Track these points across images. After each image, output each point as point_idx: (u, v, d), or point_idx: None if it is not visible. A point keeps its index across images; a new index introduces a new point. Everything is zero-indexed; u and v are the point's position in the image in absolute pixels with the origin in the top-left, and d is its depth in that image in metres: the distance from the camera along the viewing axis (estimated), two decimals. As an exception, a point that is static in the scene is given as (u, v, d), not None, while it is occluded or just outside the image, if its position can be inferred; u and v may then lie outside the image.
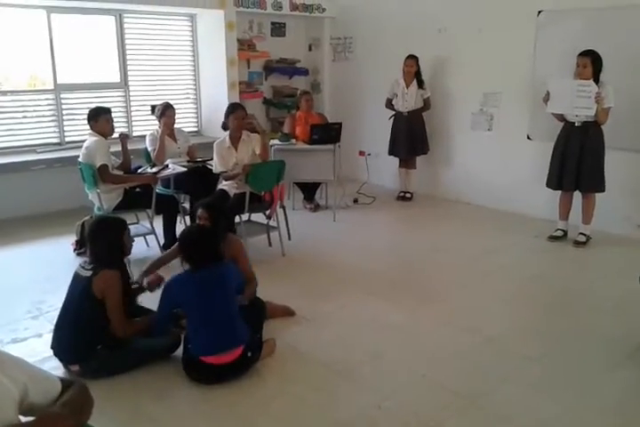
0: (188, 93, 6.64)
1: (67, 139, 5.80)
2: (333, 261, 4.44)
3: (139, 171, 4.45)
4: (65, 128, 5.79)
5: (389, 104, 6.20)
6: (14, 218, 5.22)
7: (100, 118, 4.24)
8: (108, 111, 4.31)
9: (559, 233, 4.95)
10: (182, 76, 6.57)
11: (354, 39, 6.98)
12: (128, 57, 6.06)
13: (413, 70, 5.96)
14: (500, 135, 5.76)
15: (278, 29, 7.12)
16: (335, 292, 3.84)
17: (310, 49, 7.42)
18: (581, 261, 4.55)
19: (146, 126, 5.97)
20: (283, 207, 4.63)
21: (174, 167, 4.43)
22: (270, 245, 4.60)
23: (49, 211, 5.39)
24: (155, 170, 4.35)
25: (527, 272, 4.26)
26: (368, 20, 6.74)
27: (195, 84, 6.64)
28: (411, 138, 6.09)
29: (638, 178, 4.91)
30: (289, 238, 4.68)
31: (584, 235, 4.82)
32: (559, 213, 4.94)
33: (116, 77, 6.04)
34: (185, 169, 4.47)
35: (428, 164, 6.44)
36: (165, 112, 4.89)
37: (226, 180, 4.35)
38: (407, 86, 6.00)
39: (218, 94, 6.39)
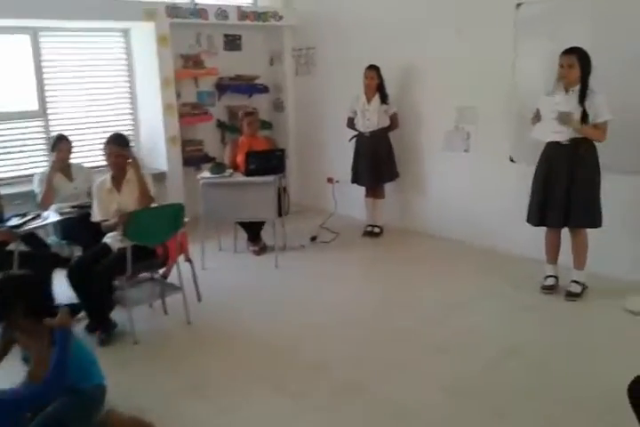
0: (123, 120, 5.81)
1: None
2: (253, 331, 3.47)
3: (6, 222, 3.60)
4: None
5: (351, 124, 5.25)
6: None
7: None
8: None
9: (551, 281, 3.90)
10: (117, 101, 5.75)
11: (316, 50, 6.08)
12: (47, 81, 5.26)
13: (375, 83, 5.01)
14: (479, 157, 4.74)
15: (232, 42, 6.27)
16: (235, 383, 2.88)
17: (272, 63, 6.54)
18: (575, 322, 3.47)
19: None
20: (189, 261, 3.71)
21: (48, 216, 3.57)
22: (166, 312, 3.67)
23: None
24: (17, 222, 3.47)
25: (497, 342, 3.22)
26: (330, 26, 5.83)
27: (132, 109, 5.82)
28: (375, 162, 5.12)
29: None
30: (199, 300, 3.77)
31: (578, 283, 3.78)
32: (546, 256, 3.90)
33: (33, 105, 5.26)
34: (60, 217, 3.61)
35: (398, 192, 5.45)
36: (57, 145, 4.07)
37: (106, 231, 3.46)
38: (369, 102, 5.05)
39: (153, 119, 5.57)
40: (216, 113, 6.18)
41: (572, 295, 3.75)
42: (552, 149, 3.68)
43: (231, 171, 4.76)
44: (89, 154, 5.39)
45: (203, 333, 3.45)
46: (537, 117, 3.75)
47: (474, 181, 4.80)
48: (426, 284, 4.14)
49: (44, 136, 5.30)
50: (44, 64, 5.23)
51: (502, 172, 4.54)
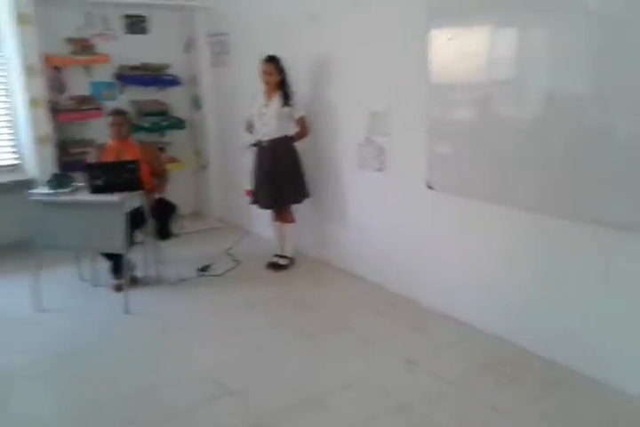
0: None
1: None
2: None
3: None
4: None
5: (250, 128, 4.21)
6: None
7: None
8: None
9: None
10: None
11: (230, 36, 5.00)
12: None
13: (274, 79, 3.94)
14: (394, 179, 3.63)
15: (136, 25, 5.23)
16: None
17: (187, 50, 5.50)
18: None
19: None
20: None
21: None
22: None
23: None
24: None
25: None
26: (241, 9, 4.76)
27: (10, 103, 4.81)
28: (276, 179, 4.06)
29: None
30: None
31: None
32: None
33: None
34: None
35: (314, 214, 4.39)
36: None
37: None
38: (267, 103, 3.99)
39: (20, 115, 4.60)
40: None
41: None
42: None
43: (80, 185, 3.75)
44: None
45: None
46: None
47: (390, 211, 3.70)
48: (308, 353, 3.03)
49: None
50: None
51: (419, 201, 3.44)
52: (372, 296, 3.74)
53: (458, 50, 2.97)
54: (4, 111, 4.79)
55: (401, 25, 3.30)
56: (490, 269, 3.07)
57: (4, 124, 4.81)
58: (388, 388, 2.66)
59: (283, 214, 4.25)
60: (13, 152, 4.91)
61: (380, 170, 3.69)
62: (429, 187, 3.31)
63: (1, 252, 4.46)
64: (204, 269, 4.28)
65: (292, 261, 4.35)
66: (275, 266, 4.30)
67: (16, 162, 4.92)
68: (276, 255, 4.36)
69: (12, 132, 4.86)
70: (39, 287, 3.61)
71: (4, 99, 4.75)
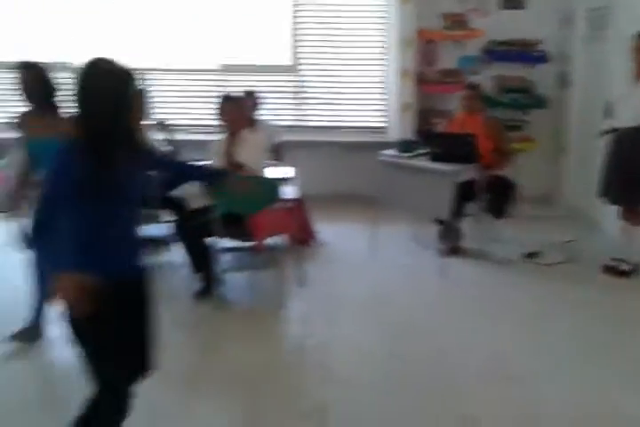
0: (372, 82, 5.50)
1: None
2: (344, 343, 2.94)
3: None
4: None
5: (610, 113, 3.78)
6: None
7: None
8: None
9: None
10: (369, 62, 5.46)
11: (611, 10, 4.45)
12: (301, 37, 5.36)
13: (647, 57, 3.42)
14: None
15: (513, 0, 5.15)
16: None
17: (563, 26, 5.15)
18: None
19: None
20: (303, 241, 3.36)
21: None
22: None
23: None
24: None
25: None
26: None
27: (385, 73, 5.42)
28: (633, 173, 3.56)
29: None
30: (302, 285, 3.45)
31: None
32: None
33: (286, 59, 5.44)
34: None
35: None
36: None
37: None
38: (636, 82, 3.50)
39: (388, 85, 5.13)
40: (481, 83, 5.22)
41: None
42: None
43: (423, 152, 4.02)
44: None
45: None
46: None
47: None
48: (605, 379, 2.61)
49: (295, 91, 5.50)
50: (300, 20, 5.31)
51: None
52: None
53: None
54: (379, 79, 5.43)
55: None
56: None
57: (378, 90, 5.47)
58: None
59: (633, 213, 3.72)
60: (383, 116, 5.55)
61: None
62: None
63: (355, 201, 4.93)
64: (531, 255, 4.06)
65: (636, 268, 3.79)
66: (612, 270, 3.79)
67: (384, 125, 5.55)
68: (617, 259, 3.86)
69: (385, 98, 5.47)
70: (376, 239, 4.00)
71: (380, 68, 5.37)
